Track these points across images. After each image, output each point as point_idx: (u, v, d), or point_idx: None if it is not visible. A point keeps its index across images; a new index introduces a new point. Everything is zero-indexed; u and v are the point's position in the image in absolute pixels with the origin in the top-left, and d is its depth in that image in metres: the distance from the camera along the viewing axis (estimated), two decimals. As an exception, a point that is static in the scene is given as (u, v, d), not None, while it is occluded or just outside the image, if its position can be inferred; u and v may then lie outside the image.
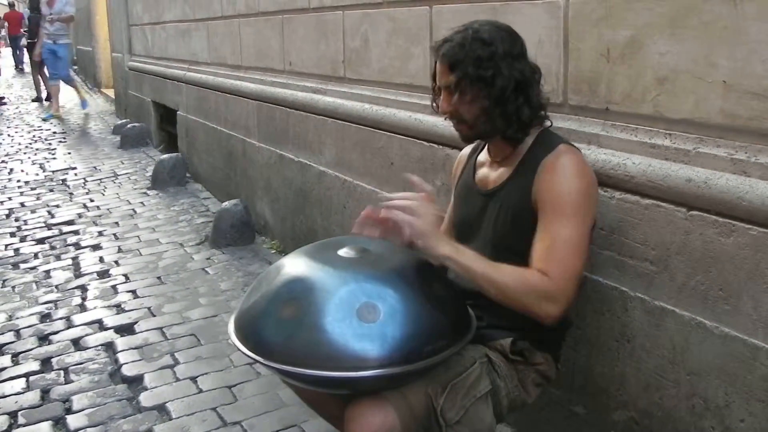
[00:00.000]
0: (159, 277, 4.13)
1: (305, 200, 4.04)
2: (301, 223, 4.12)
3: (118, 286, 4.02)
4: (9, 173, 7.18)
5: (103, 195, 6.19)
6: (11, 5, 21.50)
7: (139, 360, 3.14)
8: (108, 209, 5.71)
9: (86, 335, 3.41)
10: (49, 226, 5.30)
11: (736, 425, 1.69)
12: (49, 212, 5.68)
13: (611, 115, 2.01)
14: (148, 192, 6.20)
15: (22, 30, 18.54)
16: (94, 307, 3.75)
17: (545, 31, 2.19)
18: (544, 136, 1.81)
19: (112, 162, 7.56)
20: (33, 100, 13.38)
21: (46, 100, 13.19)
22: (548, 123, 1.84)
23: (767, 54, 1.58)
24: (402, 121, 2.97)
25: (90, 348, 3.29)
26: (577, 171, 1.70)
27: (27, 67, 12.30)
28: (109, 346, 3.29)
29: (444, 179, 2.67)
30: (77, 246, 4.81)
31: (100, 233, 5.08)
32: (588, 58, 2.05)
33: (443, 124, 1.91)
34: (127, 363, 3.11)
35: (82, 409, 2.76)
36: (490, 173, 1.89)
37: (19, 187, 6.59)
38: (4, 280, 4.20)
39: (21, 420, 2.71)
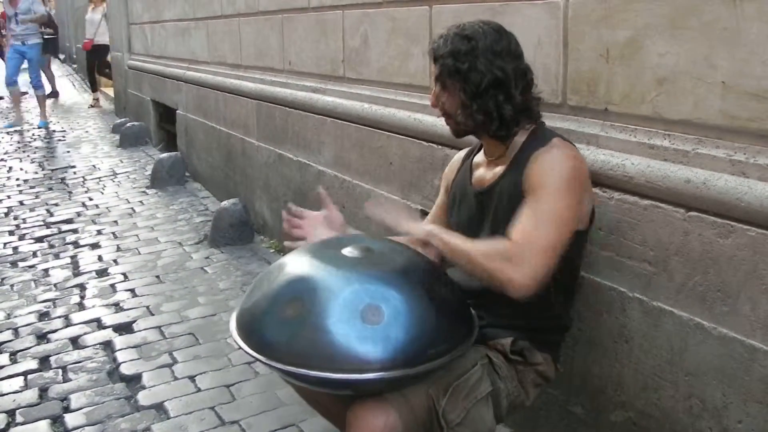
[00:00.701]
0: (158, 276, 4.13)
1: (304, 200, 4.03)
2: (300, 223, 4.12)
3: (116, 285, 4.02)
4: (8, 171, 7.18)
5: (102, 194, 6.19)
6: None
7: (138, 359, 3.14)
8: (107, 208, 5.70)
9: (85, 334, 3.41)
10: (47, 225, 5.30)
11: (734, 426, 1.69)
12: (48, 211, 5.68)
13: (610, 116, 2.01)
14: (147, 191, 6.20)
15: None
16: (93, 306, 3.75)
17: (545, 31, 2.19)
18: (538, 132, 1.81)
19: (111, 161, 7.55)
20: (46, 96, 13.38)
21: (49, 96, 13.23)
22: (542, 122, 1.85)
23: (767, 55, 1.58)
24: (401, 121, 2.97)
25: (88, 347, 3.29)
26: (566, 157, 1.71)
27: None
28: (108, 345, 3.29)
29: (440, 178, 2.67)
30: (76, 244, 4.81)
31: (99, 232, 5.07)
32: (587, 58, 2.05)
33: (442, 124, 1.91)
34: (125, 362, 3.11)
35: (80, 408, 2.76)
36: (486, 173, 1.90)
37: (18, 185, 6.59)
38: (2, 279, 4.20)
39: (19, 418, 2.71)
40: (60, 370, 3.07)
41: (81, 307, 3.75)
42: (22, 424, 2.67)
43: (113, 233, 5.02)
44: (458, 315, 1.69)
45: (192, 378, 2.96)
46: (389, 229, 1.87)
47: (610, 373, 2.02)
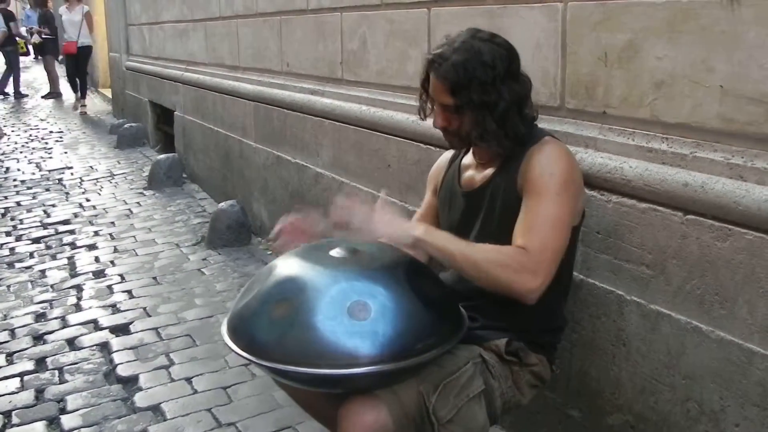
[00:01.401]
0: (155, 278, 4.12)
1: (302, 201, 4.03)
2: (298, 225, 4.11)
3: (113, 286, 4.01)
4: (5, 172, 7.16)
5: (100, 195, 6.18)
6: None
7: (134, 360, 3.13)
8: (104, 209, 5.70)
9: (81, 335, 3.41)
10: (44, 226, 5.29)
11: (731, 429, 1.69)
12: (45, 211, 5.67)
13: (608, 119, 2.01)
14: (145, 192, 6.19)
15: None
16: (90, 307, 3.74)
17: (543, 34, 2.19)
18: (528, 131, 1.81)
19: (108, 162, 7.55)
20: (43, 97, 13.39)
21: (51, 96, 13.21)
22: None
23: (764, 59, 1.58)
24: (399, 123, 2.97)
25: (85, 348, 3.28)
26: (560, 156, 1.72)
27: (20, 64, 12.17)
28: (104, 346, 3.29)
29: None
30: (73, 246, 4.80)
31: (96, 233, 5.07)
32: (585, 61, 2.06)
33: (444, 138, 1.91)
34: (122, 363, 3.10)
35: (77, 409, 2.75)
36: (476, 174, 1.90)
37: (15, 186, 6.58)
38: (-1, 280, 4.20)
39: (15, 420, 2.70)
40: (56, 372, 3.06)
41: (78, 308, 3.74)
42: (19, 425, 2.66)
43: (110, 234, 5.02)
44: (446, 310, 1.70)
45: (189, 380, 2.95)
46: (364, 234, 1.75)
47: (607, 376, 2.02)
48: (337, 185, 3.58)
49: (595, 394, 2.06)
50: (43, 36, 13.02)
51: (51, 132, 9.63)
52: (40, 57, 14.29)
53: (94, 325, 3.52)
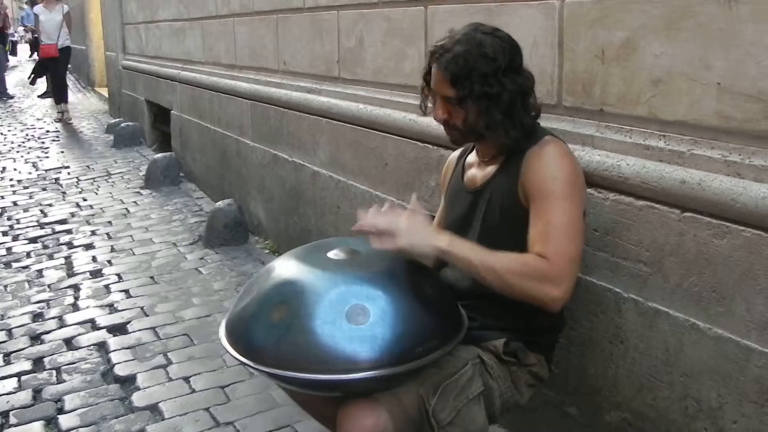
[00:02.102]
0: (152, 277, 4.12)
1: (299, 200, 4.03)
2: (295, 224, 4.12)
3: (110, 286, 4.01)
4: (2, 172, 7.15)
5: (96, 194, 6.17)
6: None
7: (132, 360, 3.13)
8: (101, 208, 5.69)
9: (79, 335, 3.40)
10: (41, 225, 5.28)
11: (729, 426, 1.69)
12: (41, 211, 5.66)
13: (606, 117, 2.01)
14: (142, 191, 6.18)
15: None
16: (87, 307, 3.74)
17: (540, 32, 2.19)
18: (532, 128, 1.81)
19: (105, 161, 7.54)
20: (40, 96, 13.36)
21: (47, 96, 13.18)
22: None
23: (762, 56, 1.58)
24: (396, 122, 2.97)
25: (82, 347, 3.28)
26: (562, 157, 1.71)
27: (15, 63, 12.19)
28: (102, 346, 3.28)
29: (438, 180, 2.66)
30: (70, 245, 4.80)
31: (93, 232, 5.06)
32: (583, 59, 2.06)
33: (438, 125, 1.91)
34: (119, 363, 3.10)
35: (75, 409, 2.75)
36: (478, 173, 1.90)
37: (11, 185, 6.57)
38: (-4, 279, 4.19)
39: (12, 420, 2.69)
40: (54, 372, 3.06)
41: (75, 308, 3.74)
42: (16, 425, 2.66)
43: (107, 234, 5.01)
44: (446, 313, 1.69)
45: (186, 379, 2.95)
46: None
47: (605, 373, 2.02)
48: (334, 184, 3.58)
49: (593, 391, 2.06)
50: (35, 36, 12.95)
51: (47, 131, 9.61)
52: (36, 56, 14.24)
53: (92, 324, 3.51)
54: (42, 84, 12.57)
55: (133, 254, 4.55)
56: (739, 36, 1.62)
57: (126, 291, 3.92)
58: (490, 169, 1.85)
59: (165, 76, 6.92)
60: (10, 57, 14.18)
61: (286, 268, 1.68)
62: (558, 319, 1.89)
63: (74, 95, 13.84)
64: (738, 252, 1.64)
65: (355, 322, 1.50)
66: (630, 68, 1.90)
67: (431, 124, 2.64)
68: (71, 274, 4.25)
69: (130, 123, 8.50)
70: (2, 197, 6.14)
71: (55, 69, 10.62)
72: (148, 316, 3.59)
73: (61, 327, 3.50)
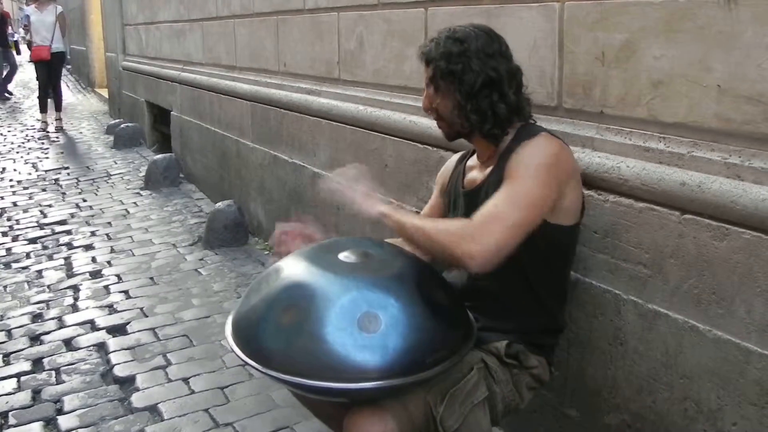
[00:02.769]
0: (152, 278, 4.12)
1: (299, 201, 4.03)
2: (295, 225, 4.11)
3: (110, 287, 4.01)
4: (1, 172, 7.15)
5: (96, 195, 6.17)
6: None
7: (131, 361, 3.13)
8: (101, 209, 5.69)
9: (78, 335, 3.40)
10: (41, 226, 5.28)
11: (729, 428, 1.69)
12: (41, 212, 5.66)
13: (606, 119, 2.01)
14: (141, 192, 6.18)
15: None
16: (86, 308, 3.74)
17: (540, 34, 2.19)
18: (525, 128, 1.81)
19: (105, 162, 7.54)
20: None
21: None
22: (532, 121, 1.86)
23: (762, 58, 1.58)
24: (396, 123, 2.97)
25: (82, 348, 3.28)
26: (547, 145, 1.72)
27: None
28: (101, 347, 3.28)
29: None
30: (69, 246, 4.79)
31: (93, 233, 5.06)
32: (583, 61, 2.06)
33: (437, 127, 1.92)
34: (119, 363, 3.10)
35: (74, 410, 2.75)
36: (477, 174, 1.91)
37: (11, 186, 6.57)
38: (-5, 280, 4.18)
39: (12, 420, 2.69)
40: (53, 372, 3.06)
41: (74, 308, 3.73)
42: (15, 426, 2.66)
43: (107, 235, 5.01)
44: (456, 320, 1.68)
45: (186, 380, 2.95)
46: (342, 205, 1.89)
47: (604, 375, 2.02)
48: (334, 185, 3.58)
49: (592, 393, 2.06)
50: (24, 36, 12.92)
51: (47, 132, 9.59)
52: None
53: (91, 325, 3.51)
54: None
55: (133, 255, 4.55)
56: (739, 38, 1.62)
57: (125, 292, 3.92)
58: (488, 170, 1.85)
59: (165, 77, 6.92)
60: (16, 56, 14.14)
61: (296, 269, 1.64)
62: (560, 321, 1.89)
63: (74, 95, 13.87)
64: (738, 254, 1.64)
65: (367, 330, 1.48)
66: (630, 70, 1.91)
67: (431, 125, 2.64)
68: (71, 274, 4.25)
69: (130, 124, 8.50)
70: (2, 198, 6.13)
71: (45, 74, 9.71)
72: (147, 317, 3.59)
73: (60, 328, 3.50)
